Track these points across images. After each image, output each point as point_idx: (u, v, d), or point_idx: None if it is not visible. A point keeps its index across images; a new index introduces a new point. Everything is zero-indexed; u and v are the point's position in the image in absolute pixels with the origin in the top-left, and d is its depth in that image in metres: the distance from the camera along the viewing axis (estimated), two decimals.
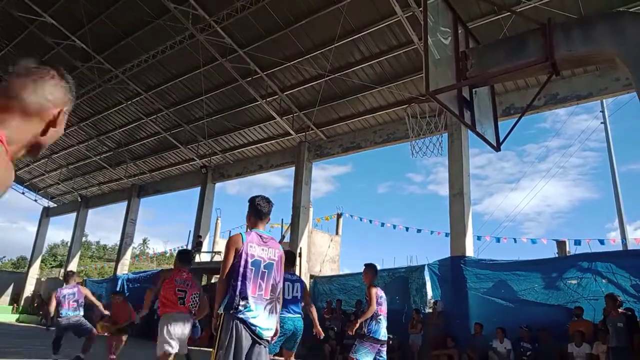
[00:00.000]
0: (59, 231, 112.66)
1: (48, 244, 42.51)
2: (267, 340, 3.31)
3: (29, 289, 25.26)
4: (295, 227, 14.49)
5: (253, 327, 3.19)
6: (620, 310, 7.56)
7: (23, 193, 25.38)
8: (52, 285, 25.57)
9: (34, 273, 25.95)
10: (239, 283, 3.26)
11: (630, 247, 12.59)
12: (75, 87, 1.20)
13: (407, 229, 18.74)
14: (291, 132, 14.96)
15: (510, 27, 9.47)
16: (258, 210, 3.55)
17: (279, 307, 3.48)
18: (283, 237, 15.92)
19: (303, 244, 14.37)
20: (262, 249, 3.43)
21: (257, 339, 3.21)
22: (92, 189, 23.55)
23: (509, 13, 9.07)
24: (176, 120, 16.54)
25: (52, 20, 12.92)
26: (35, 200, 25.90)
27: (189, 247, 17.60)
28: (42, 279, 27.84)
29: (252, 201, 3.58)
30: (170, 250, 34.27)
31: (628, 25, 4.06)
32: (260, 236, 3.48)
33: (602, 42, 4.16)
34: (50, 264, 42.95)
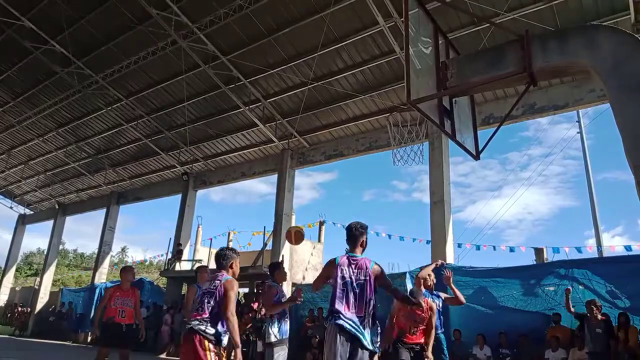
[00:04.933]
0: (35, 239, 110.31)
1: (23, 252, 41.59)
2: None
3: (2, 299, 24.56)
4: (277, 234, 14.44)
5: None
6: (599, 316, 7.72)
7: None
8: (26, 294, 24.94)
9: (7, 282, 25.24)
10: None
11: (605, 255, 12.87)
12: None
13: (389, 236, 18.72)
14: (274, 139, 14.95)
15: (490, 38, 9.68)
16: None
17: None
18: (265, 245, 15.82)
19: (285, 251, 14.31)
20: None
21: None
22: (70, 196, 23.09)
23: (488, 24, 9.28)
24: (157, 126, 16.37)
25: (30, 24, 12.70)
26: (11, 208, 25.25)
27: (169, 256, 17.37)
28: (17, 289, 27.12)
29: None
30: (150, 258, 33.80)
31: (602, 38, 4.18)
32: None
33: (577, 53, 4.27)
34: (26, 273, 41.93)
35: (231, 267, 4.09)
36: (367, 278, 3.86)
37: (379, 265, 3.99)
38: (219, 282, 3.97)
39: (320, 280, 4.18)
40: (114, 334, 6.05)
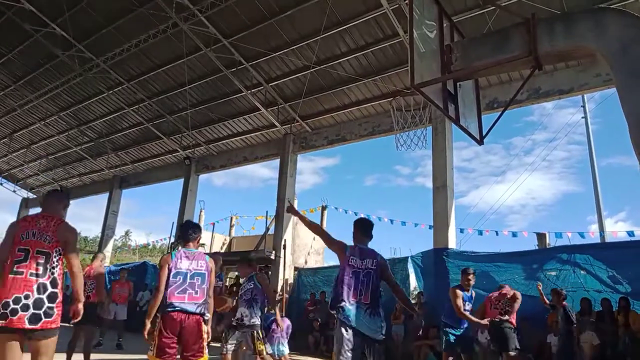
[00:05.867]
0: None
1: None
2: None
3: None
4: (279, 219, 14.48)
5: None
6: (563, 304, 7.92)
7: (1, 184, 24.83)
8: None
9: None
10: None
11: (608, 240, 12.89)
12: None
13: (391, 221, 18.73)
14: (276, 123, 14.89)
15: (495, 21, 9.52)
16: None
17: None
18: (267, 229, 15.89)
19: (287, 236, 14.37)
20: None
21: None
22: (73, 180, 23.15)
23: (493, 7, 9.13)
24: (159, 110, 16.31)
25: (30, 6, 12.56)
26: (14, 191, 25.35)
27: (172, 240, 17.44)
28: None
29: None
30: (153, 242, 34.03)
31: (610, 21, 4.11)
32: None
33: (584, 37, 4.20)
34: None
35: (198, 241, 4.09)
36: (375, 267, 3.95)
37: (384, 258, 4.13)
38: (203, 261, 3.91)
39: (331, 242, 4.16)
40: (90, 313, 6.32)
